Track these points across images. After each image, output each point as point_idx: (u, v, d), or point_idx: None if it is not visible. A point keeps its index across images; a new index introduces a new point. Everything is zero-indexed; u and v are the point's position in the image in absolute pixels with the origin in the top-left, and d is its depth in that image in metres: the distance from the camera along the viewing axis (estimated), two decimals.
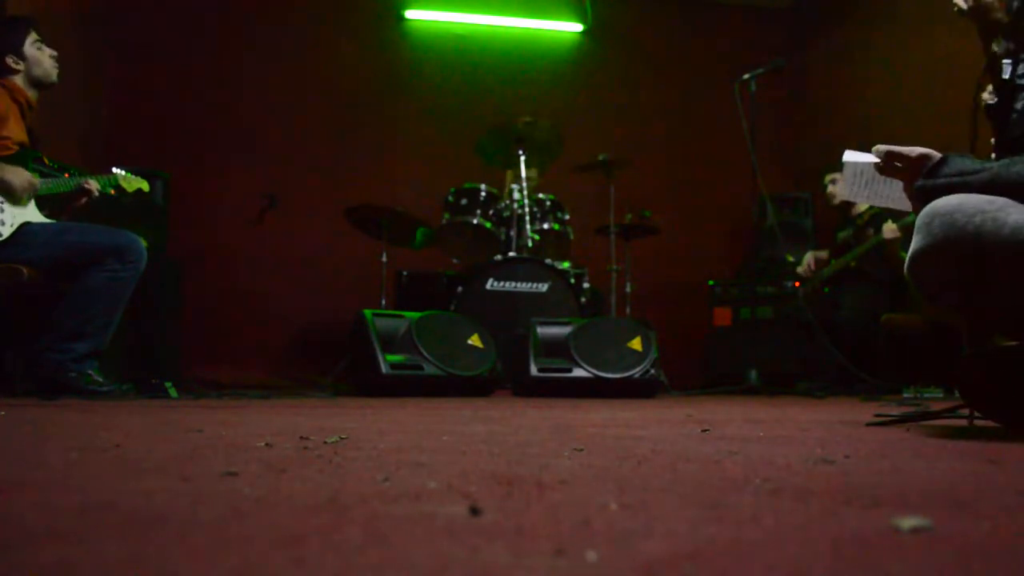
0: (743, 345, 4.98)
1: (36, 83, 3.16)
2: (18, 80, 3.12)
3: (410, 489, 0.81)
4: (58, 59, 3.22)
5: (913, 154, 1.59)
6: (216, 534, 0.59)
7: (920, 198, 1.52)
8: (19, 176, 2.95)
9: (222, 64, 5.79)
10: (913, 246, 1.44)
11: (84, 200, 3.17)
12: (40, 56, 3.16)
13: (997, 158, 1.75)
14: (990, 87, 1.82)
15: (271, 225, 4.67)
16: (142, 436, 1.42)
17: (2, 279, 2.89)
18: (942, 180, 1.50)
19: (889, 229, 4.24)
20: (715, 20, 6.55)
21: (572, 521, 0.65)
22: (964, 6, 1.76)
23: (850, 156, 1.75)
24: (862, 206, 4.65)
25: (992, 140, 1.78)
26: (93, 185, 3.15)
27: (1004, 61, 1.74)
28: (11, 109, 3.06)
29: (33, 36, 3.16)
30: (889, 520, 0.64)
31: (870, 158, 1.69)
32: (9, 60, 3.11)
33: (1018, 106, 1.71)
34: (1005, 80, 1.73)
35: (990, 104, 1.77)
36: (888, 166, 1.64)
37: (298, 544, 0.56)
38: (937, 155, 1.57)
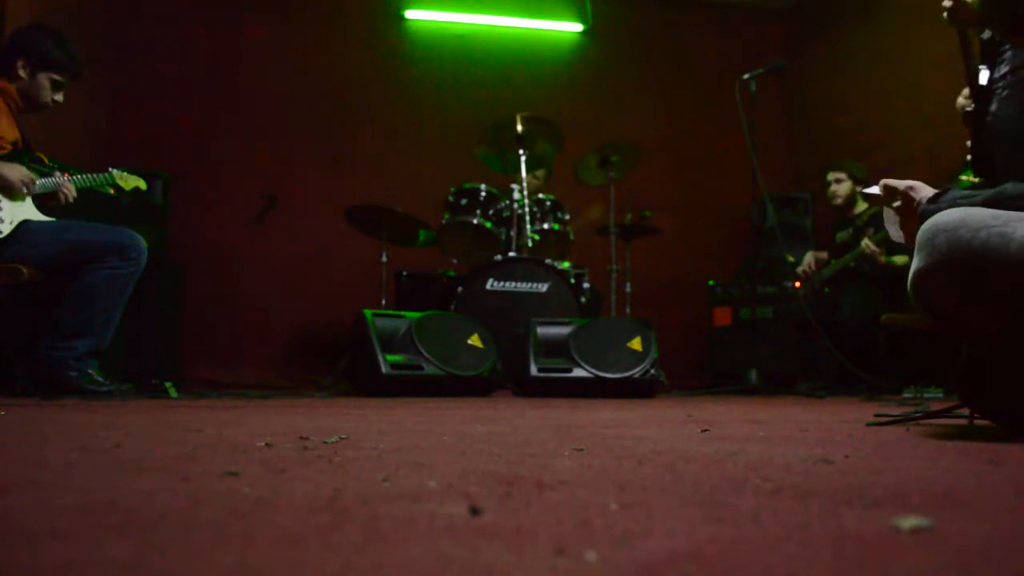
0: (743, 345, 4.98)
1: (25, 101, 3.12)
2: (14, 85, 3.09)
3: (410, 489, 0.81)
4: (55, 106, 3.17)
5: (901, 186, 1.62)
6: (216, 534, 0.59)
7: (923, 222, 1.52)
8: (16, 171, 2.95)
9: (222, 64, 5.79)
10: (916, 263, 1.40)
11: (59, 196, 3.09)
12: (45, 90, 3.11)
13: (972, 162, 1.76)
14: (965, 92, 1.83)
15: (271, 225, 4.67)
16: (142, 436, 1.42)
17: (2, 279, 2.89)
18: (944, 204, 1.49)
19: (866, 244, 4.27)
20: (715, 20, 6.54)
21: (572, 521, 0.65)
22: (948, 3, 1.76)
23: (868, 190, 1.80)
24: (862, 206, 4.66)
25: (967, 144, 1.79)
26: (68, 190, 3.09)
27: (981, 67, 1.76)
28: (3, 110, 3.06)
29: (60, 78, 3.12)
30: (889, 520, 0.64)
31: (875, 190, 1.73)
32: (19, 64, 3.07)
33: (992, 108, 1.72)
34: (983, 86, 1.74)
35: (968, 110, 1.78)
36: (888, 197, 1.67)
37: (298, 544, 0.56)
38: (924, 185, 1.59)
